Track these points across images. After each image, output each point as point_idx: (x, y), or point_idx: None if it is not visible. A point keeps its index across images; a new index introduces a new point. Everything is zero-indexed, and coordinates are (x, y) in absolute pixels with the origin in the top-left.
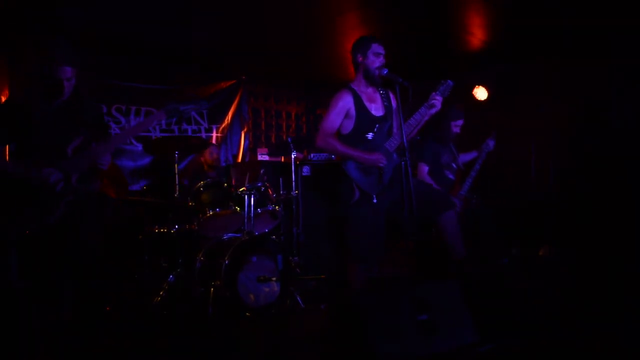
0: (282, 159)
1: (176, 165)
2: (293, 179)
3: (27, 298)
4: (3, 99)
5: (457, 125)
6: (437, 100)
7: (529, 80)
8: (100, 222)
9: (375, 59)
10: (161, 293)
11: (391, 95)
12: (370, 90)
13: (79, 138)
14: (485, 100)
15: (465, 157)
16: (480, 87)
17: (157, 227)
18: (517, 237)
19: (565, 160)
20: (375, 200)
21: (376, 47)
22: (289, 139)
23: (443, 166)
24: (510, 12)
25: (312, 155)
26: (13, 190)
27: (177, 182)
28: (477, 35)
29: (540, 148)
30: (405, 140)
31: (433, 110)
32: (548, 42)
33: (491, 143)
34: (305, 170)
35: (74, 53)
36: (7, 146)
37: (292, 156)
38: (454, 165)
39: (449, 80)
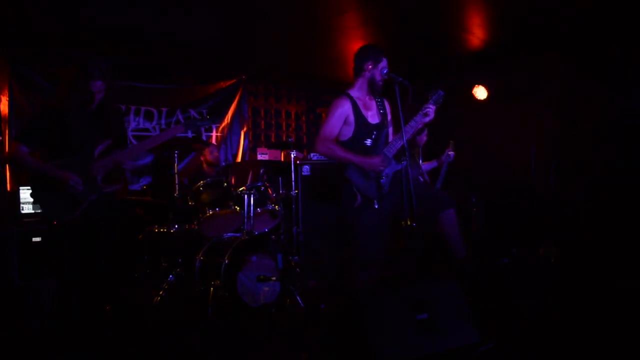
0: (282, 159)
1: (176, 165)
2: (293, 179)
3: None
4: (3, 99)
5: (424, 136)
6: (431, 109)
7: (529, 79)
8: (116, 223)
9: (382, 74)
10: (161, 293)
11: (386, 103)
12: (367, 97)
13: (104, 143)
14: (485, 99)
15: (426, 167)
16: (480, 86)
17: (157, 227)
18: (517, 237)
19: (565, 160)
20: (377, 206)
21: (385, 63)
22: (289, 139)
23: (414, 180)
24: (511, 11)
25: (312, 154)
26: (45, 186)
27: (177, 182)
28: (477, 34)
29: (540, 148)
30: (405, 142)
31: (427, 119)
32: (548, 42)
33: (451, 154)
34: (305, 169)
35: (105, 70)
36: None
37: (292, 155)
38: (420, 179)
39: (439, 90)
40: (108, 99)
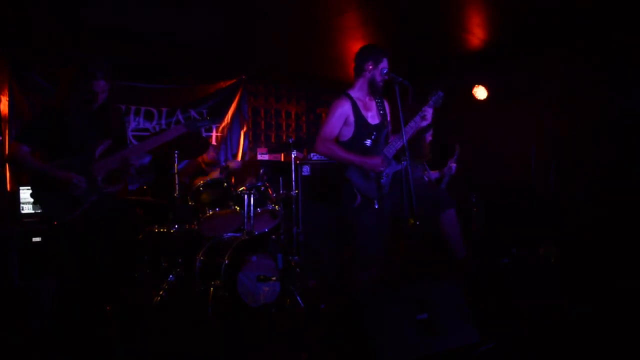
0: (282, 159)
1: (176, 165)
2: (293, 179)
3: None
4: (3, 99)
5: (429, 135)
6: (429, 113)
7: (529, 79)
8: (116, 224)
9: (382, 74)
10: (161, 293)
11: (386, 104)
12: (367, 98)
13: (105, 143)
14: (485, 99)
15: (431, 176)
16: (480, 86)
17: (157, 227)
18: (517, 237)
19: (565, 160)
20: (376, 206)
21: (386, 64)
22: (289, 139)
23: (415, 180)
24: (511, 11)
25: (312, 154)
26: (46, 186)
27: (177, 182)
28: (477, 34)
29: (540, 148)
30: (405, 142)
31: (424, 123)
32: (548, 42)
33: (453, 166)
34: (305, 169)
35: (107, 69)
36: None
37: (292, 156)
38: (425, 178)
39: (439, 91)
40: (110, 99)
